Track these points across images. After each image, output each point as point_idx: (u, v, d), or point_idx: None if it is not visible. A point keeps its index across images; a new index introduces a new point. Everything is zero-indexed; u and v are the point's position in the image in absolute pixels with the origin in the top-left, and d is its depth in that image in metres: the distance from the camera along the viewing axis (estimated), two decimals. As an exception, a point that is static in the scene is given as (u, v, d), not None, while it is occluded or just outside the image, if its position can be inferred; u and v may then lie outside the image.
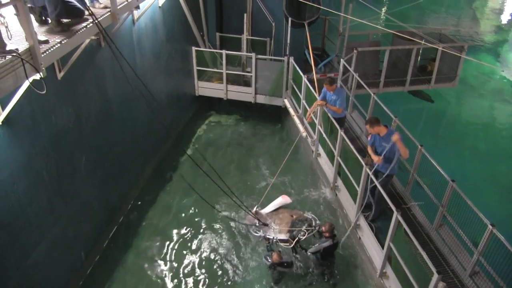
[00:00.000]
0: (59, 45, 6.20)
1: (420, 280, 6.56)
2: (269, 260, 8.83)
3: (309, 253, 9.08)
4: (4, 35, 5.39)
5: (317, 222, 10.04)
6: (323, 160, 11.19)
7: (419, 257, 6.55)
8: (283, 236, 9.63)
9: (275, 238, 9.61)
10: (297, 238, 9.44)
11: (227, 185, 9.75)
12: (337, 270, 9.25)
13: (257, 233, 10.00)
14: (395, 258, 7.28)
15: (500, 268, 6.95)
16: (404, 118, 9.89)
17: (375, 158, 8.38)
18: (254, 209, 10.48)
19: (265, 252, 9.34)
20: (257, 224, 10.04)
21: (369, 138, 8.84)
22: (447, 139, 14.77)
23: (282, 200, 10.73)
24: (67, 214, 8.50)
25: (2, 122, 6.37)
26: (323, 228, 8.96)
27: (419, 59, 14.79)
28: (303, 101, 12.11)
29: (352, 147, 8.89)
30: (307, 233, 9.60)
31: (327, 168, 10.89)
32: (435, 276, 5.96)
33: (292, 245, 9.33)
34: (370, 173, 8.09)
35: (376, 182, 8.02)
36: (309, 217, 10.30)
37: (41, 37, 6.09)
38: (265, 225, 9.99)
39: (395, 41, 14.73)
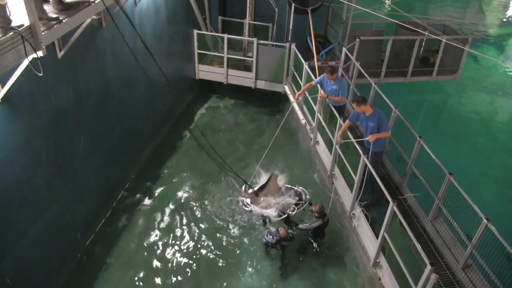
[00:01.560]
0: (59, 24, 6.15)
1: (413, 271, 6.59)
2: (274, 237, 8.87)
3: (300, 228, 9.20)
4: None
5: (307, 196, 10.03)
6: (321, 148, 11.18)
7: (413, 248, 6.59)
8: (272, 212, 9.67)
9: (267, 217, 9.75)
10: (286, 214, 9.49)
11: (227, 163, 9.75)
12: (331, 258, 9.33)
13: (247, 207, 10.04)
14: (389, 248, 7.31)
15: (493, 262, 6.98)
16: (404, 109, 9.88)
17: (339, 138, 9.22)
18: (243, 187, 10.62)
19: (267, 230, 9.25)
20: (246, 201, 10.10)
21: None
22: (447, 132, 14.74)
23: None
24: (65, 194, 8.51)
25: (1, 100, 6.33)
26: (313, 208, 9.08)
27: (421, 50, 14.72)
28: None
29: (350, 135, 8.88)
30: (296, 208, 9.64)
31: (325, 156, 10.89)
32: (428, 267, 5.99)
33: (283, 218, 9.42)
34: (366, 160, 8.10)
35: (366, 161, 8.07)
36: (299, 190, 10.24)
37: (51, 14, 6.04)
38: (256, 195, 10.17)
39: (399, 31, 14.66)
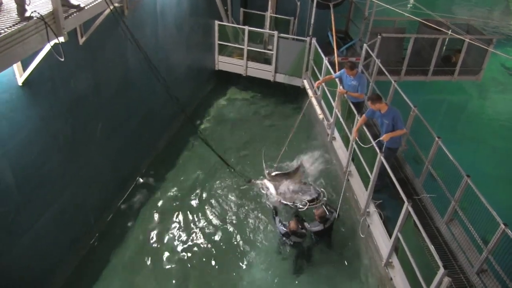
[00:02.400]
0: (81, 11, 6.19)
1: (426, 273, 6.50)
2: (285, 228, 8.88)
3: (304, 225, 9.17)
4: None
5: (324, 198, 10.04)
6: (338, 144, 11.10)
7: (427, 250, 6.49)
8: (287, 200, 9.88)
9: (280, 199, 9.90)
10: (296, 205, 9.59)
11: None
12: (342, 256, 9.30)
13: (263, 190, 10.29)
14: (402, 248, 7.22)
15: (510, 268, 6.86)
16: (423, 108, 9.72)
17: (355, 133, 9.12)
18: (267, 170, 10.79)
19: (280, 220, 9.27)
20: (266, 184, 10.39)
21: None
22: (466, 133, 14.52)
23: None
24: (80, 179, 8.60)
25: (23, 83, 6.41)
26: (315, 211, 9.08)
27: (444, 49, 14.48)
28: (322, 84, 11.97)
29: (368, 133, 8.80)
30: (308, 204, 9.68)
31: (341, 152, 10.80)
32: (441, 270, 5.91)
33: (289, 205, 9.59)
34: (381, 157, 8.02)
35: (383, 159, 7.98)
36: (319, 190, 10.30)
37: (74, 1, 6.09)
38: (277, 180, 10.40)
39: (421, 29, 14.43)
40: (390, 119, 8.67)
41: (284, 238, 9.09)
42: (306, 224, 9.18)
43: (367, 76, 11.84)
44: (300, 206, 9.63)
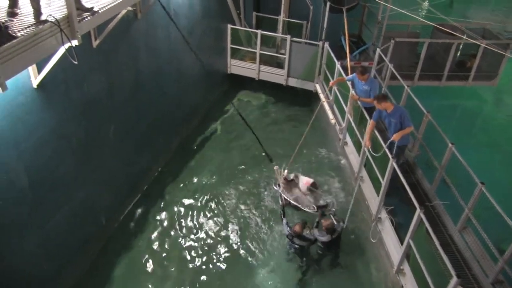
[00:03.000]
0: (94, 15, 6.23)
1: (438, 282, 6.41)
2: (289, 230, 8.87)
3: (312, 232, 9.09)
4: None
5: (333, 209, 9.94)
6: (350, 149, 11.04)
7: (439, 258, 6.41)
8: (297, 202, 9.89)
9: (289, 199, 9.89)
10: (305, 209, 9.59)
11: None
12: (353, 261, 9.22)
13: (275, 187, 10.37)
14: (414, 256, 7.14)
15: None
16: (437, 114, 9.64)
17: (368, 142, 9.02)
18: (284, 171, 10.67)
19: (285, 220, 9.28)
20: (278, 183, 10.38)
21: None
22: (481, 140, 14.35)
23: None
24: (92, 181, 8.65)
25: (37, 86, 6.48)
26: (323, 222, 8.97)
27: (458, 54, 14.34)
28: (334, 88, 11.93)
29: (380, 138, 8.75)
30: (316, 209, 9.68)
31: (353, 157, 10.74)
32: (454, 279, 5.82)
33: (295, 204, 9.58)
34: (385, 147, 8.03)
35: (395, 165, 7.90)
36: (329, 200, 10.26)
37: (87, 4, 6.14)
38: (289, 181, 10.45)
39: (435, 34, 14.31)
40: (397, 117, 8.76)
41: (287, 240, 9.07)
42: (315, 231, 9.07)
43: (379, 81, 11.78)
44: (308, 210, 9.58)
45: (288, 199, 9.99)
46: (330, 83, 11.38)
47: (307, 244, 8.91)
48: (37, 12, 5.29)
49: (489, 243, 7.40)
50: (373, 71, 12.50)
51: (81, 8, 6.05)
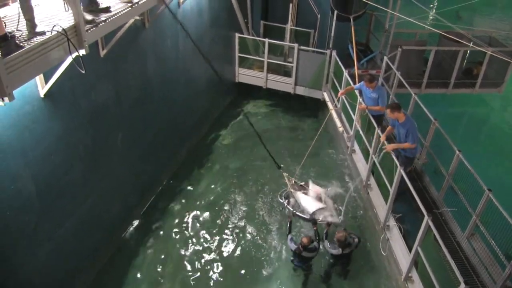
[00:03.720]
0: (103, 23, 6.30)
1: (446, 289, 6.41)
2: (296, 244, 8.58)
3: (322, 244, 8.91)
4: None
5: (340, 217, 9.57)
6: (358, 157, 11.05)
7: (447, 265, 6.39)
8: (305, 214, 9.55)
9: (295, 211, 9.63)
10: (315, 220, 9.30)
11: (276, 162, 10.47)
12: (361, 268, 9.20)
13: (281, 199, 10.14)
14: (422, 263, 7.13)
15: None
16: (444, 121, 9.64)
17: (388, 145, 8.88)
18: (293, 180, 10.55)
19: (291, 237, 8.92)
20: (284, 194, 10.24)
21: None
22: (488, 147, 14.30)
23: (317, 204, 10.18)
24: (101, 189, 8.70)
25: (44, 95, 6.54)
26: (336, 234, 8.69)
27: (465, 61, 14.34)
28: (342, 96, 11.96)
29: (383, 140, 8.86)
30: (322, 219, 9.39)
31: (361, 165, 10.74)
32: (462, 286, 5.82)
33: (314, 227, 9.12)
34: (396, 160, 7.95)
35: (403, 172, 7.92)
36: (337, 208, 9.91)
37: (88, 16, 6.20)
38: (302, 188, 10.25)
39: (442, 41, 14.33)
40: (405, 129, 8.75)
41: (291, 258, 8.89)
42: (325, 243, 8.87)
43: (387, 89, 11.79)
44: (317, 219, 9.41)
45: (295, 211, 9.71)
46: (339, 93, 11.38)
47: (314, 255, 8.71)
48: (32, 23, 5.21)
49: (497, 249, 7.37)
50: (381, 79, 12.52)
51: (96, 10, 6.14)
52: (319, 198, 9.96)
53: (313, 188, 10.20)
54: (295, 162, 11.92)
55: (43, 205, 7.02)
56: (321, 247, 8.87)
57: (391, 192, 8.33)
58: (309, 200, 9.74)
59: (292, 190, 10.16)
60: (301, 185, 10.46)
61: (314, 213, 9.42)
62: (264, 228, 10.25)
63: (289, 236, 8.93)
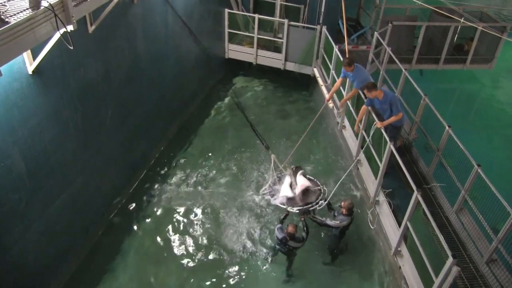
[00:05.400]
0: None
1: (435, 262, 6.50)
2: (282, 233, 8.38)
3: (327, 223, 8.61)
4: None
5: (325, 195, 9.49)
6: (348, 133, 11.06)
7: (436, 239, 6.47)
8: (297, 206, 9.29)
9: (289, 206, 9.29)
10: (308, 212, 9.11)
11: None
12: (350, 244, 9.31)
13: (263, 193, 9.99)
14: (411, 237, 7.21)
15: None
16: (434, 97, 9.64)
17: (378, 123, 8.70)
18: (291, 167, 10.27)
19: (279, 226, 8.69)
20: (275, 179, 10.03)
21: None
22: (477, 122, 14.40)
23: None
24: (91, 167, 8.68)
25: (33, 72, 6.45)
26: (342, 204, 8.61)
27: (456, 37, 14.32)
28: (332, 71, 11.93)
29: (375, 117, 8.86)
30: (317, 206, 9.25)
31: (351, 141, 10.77)
32: (450, 259, 5.89)
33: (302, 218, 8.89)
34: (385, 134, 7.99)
35: (393, 147, 7.94)
36: (319, 187, 9.76)
37: None
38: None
39: (433, 17, 14.29)
40: (387, 103, 8.75)
41: (277, 246, 8.69)
42: (328, 220, 8.63)
43: (377, 64, 11.74)
44: (314, 215, 9.10)
45: (277, 202, 9.45)
46: (327, 98, 11.03)
47: (300, 246, 8.52)
48: None
49: (484, 223, 7.48)
50: (371, 55, 12.49)
51: None
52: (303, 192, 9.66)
53: (299, 181, 9.84)
54: (284, 141, 11.97)
55: (33, 183, 7.00)
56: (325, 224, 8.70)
57: (381, 167, 8.37)
58: (286, 187, 9.64)
59: (277, 176, 10.05)
60: (293, 168, 10.23)
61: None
62: (249, 213, 10.11)
63: (279, 225, 8.69)
